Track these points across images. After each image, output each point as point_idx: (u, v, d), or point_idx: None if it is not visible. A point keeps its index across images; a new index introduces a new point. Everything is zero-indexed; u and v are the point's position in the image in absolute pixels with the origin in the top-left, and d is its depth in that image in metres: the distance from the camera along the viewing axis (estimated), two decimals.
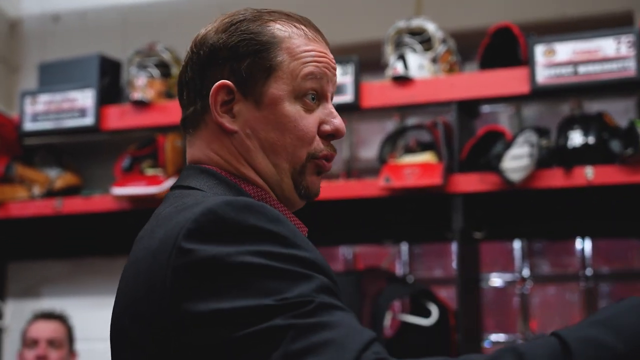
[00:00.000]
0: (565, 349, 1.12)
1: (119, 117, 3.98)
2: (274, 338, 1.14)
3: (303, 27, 1.49)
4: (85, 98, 4.02)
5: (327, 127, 1.48)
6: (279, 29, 1.46)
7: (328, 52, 1.51)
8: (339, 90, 3.45)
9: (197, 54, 1.49)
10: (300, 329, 1.14)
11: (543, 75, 3.38)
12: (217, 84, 1.43)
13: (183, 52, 4.22)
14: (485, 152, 3.47)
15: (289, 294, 1.17)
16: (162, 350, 1.25)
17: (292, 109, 1.44)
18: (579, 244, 3.94)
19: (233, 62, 1.44)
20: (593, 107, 3.75)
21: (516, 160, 3.30)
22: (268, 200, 1.46)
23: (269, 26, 1.46)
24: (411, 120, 3.98)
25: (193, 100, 1.49)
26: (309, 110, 1.46)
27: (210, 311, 1.19)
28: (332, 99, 1.51)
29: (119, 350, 1.38)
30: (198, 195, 1.38)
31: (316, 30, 1.52)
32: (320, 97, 1.48)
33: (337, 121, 1.48)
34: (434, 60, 3.61)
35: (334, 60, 1.52)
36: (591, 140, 3.34)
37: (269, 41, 1.45)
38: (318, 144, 1.47)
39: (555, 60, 3.37)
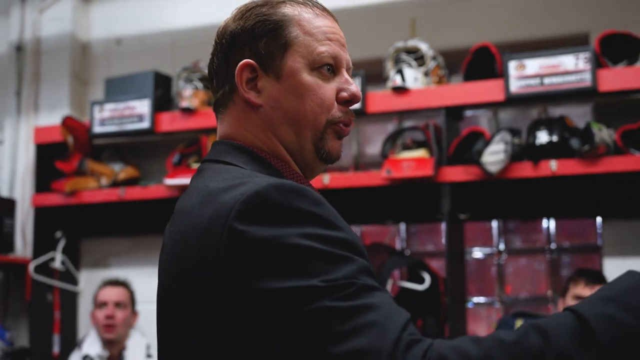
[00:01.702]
0: (586, 326, 1.03)
1: (170, 122, 4.01)
2: (323, 319, 1.06)
3: (309, 4, 1.39)
4: (143, 106, 4.03)
5: (344, 94, 1.35)
6: (289, 8, 1.36)
7: (337, 26, 1.41)
8: None
9: (220, 44, 1.39)
10: (347, 311, 1.05)
11: (515, 85, 3.38)
12: (241, 63, 1.33)
13: None
14: (468, 148, 3.47)
15: (334, 275, 1.08)
16: (210, 319, 1.16)
17: (310, 78, 1.33)
18: (545, 223, 3.93)
19: (252, 44, 1.34)
20: (556, 111, 3.74)
21: (493, 155, 3.31)
22: (294, 174, 1.35)
23: (279, 7, 1.35)
24: (408, 123, 3.97)
25: (222, 84, 1.38)
26: (326, 79, 1.35)
27: (262, 290, 1.10)
28: (349, 69, 1.40)
29: (166, 311, 1.29)
30: (237, 172, 1.26)
31: (323, 8, 1.41)
32: (335, 69, 1.36)
33: (354, 87, 1.37)
34: (426, 74, 3.61)
35: (343, 36, 1.41)
36: (555, 138, 3.34)
37: (282, 19, 1.34)
38: (336, 110, 1.35)
39: (525, 73, 3.36)
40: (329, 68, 1.35)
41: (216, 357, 1.17)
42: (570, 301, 3.27)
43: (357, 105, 3.62)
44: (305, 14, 1.36)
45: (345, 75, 1.38)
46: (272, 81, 1.34)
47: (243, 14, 1.37)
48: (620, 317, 1.03)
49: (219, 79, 1.39)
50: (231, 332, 1.14)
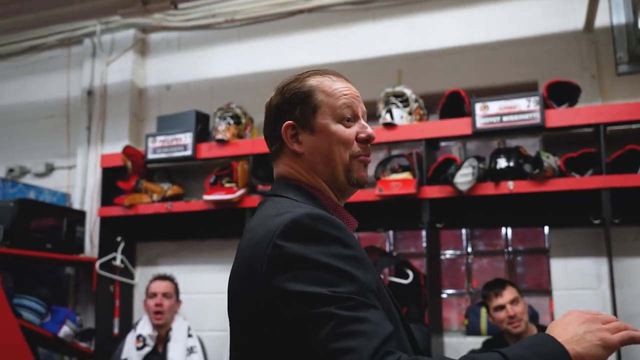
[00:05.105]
0: None
1: (207, 150, 4.01)
2: (324, 321, 1.12)
3: (327, 74, 1.47)
4: (187, 138, 4.05)
5: (362, 135, 1.43)
6: (313, 80, 1.45)
7: (351, 85, 1.49)
8: None
9: (269, 114, 1.49)
10: (344, 318, 1.11)
11: (480, 122, 3.39)
12: (285, 124, 1.43)
13: (249, 108, 4.23)
14: (444, 172, 3.48)
15: (340, 288, 1.15)
16: (258, 309, 1.24)
17: (336, 127, 1.41)
18: (503, 230, 3.93)
19: (291, 110, 1.43)
20: (513, 142, 3.76)
21: (463, 177, 3.31)
22: (331, 202, 1.44)
23: (306, 81, 1.45)
24: (395, 152, 3.98)
25: (274, 142, 1.47)
26: (348, 126, 1.43)
27: (287, 290, 1.17)
28: (364, 118, 1.48)
29: (232, 304, 1.37)
30: (287, 203, 1.36)
31: (337, 74, 1.49)
32: (354, 118, 1.44)
33: (369, 130, 1.45)
34: (410, 113, 3.63)
35: (357, 91, 1.49)
36: (512, 164, 3.35)
37: (309, 90, 1.43)
38: (356, 147, 1.43)
39: (488, 112, 3.38)
40: (348, 119, 1.43)
41: (264, 342, 1.24)
42: (495, 313, 3.12)
43: None
44: (325, 81, 1.44)
45: (362, 121, 1.46)
46: (309, 135, 1.42)
47: (282, 90, 1.47)
48: (530, 358, 1.11)
49: (271, 139, 1.49)
50: (268, 320, 1.22)
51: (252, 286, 1.25)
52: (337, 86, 1.44)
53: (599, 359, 1.15)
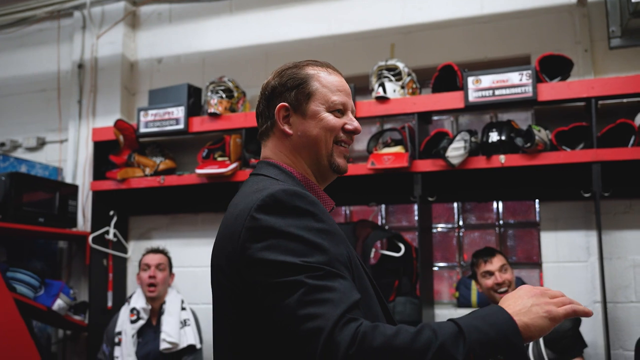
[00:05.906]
0: (460, 330, 1.18)
1: (200, 124, 4.00)
2: (294, 288, 1.20)
3: (325, 66, 1.58)
4: (179, 112, 4.03)
5: (349, 126, 1.55)
6: (311, 69, 1.55)
7: (344, 80, 1.59)
8: None
9: (264, 94, 1.58)
10: (312, 287, 1.19)
11: (473, 96, 3.39)
12: (278, 105, 1.53)
13: (241, 82, 4.18)
14: (436, 145, 3.48)
15: (310, 258, 1.23)
16: (236, 276, 1.32)
17: (326, 115, 1.52)
18: (494, 204, 3.95)
19: (286, 93, 1.53)
20: (504, 116, 3.76)
21: (455, 151, 3.32)
22: (309, 182, 1.53)
23: (303, 69, 1.55)
24: (388, 125, 3.98)
25: (265, 121, 1.57)
26: (337, 117, 1.53)
27: (260, 259, 1.25)
28: (354, 112, 1.59)
29: (214, 273, 1.44)
30: (267, 181, 1.44)
31: (333, 67, 1.59)
32: (344, 111, 1.55)
33: (356, 123, 1.57)
34: (402, 87, 3.62)
35: (348, 87, 1.59)
36: (503, 137, 3.35)
37: (306, 77, 1.53)
38: (341, 134, 1.53)
39: (480, 86, 3.37)
40: (339, 110, 1.54)
41: (245, 314, 1.33)
42: (483, 279, 3.21)
43: None
44: (321, 73, 1.55)
45: (350, 115, 1.57)
46: (299, 118, 1.52)
47: (279, 73, 1.57)
48: (483, 328, 1.19)
49: (263, 118, 1.58)
50: (246, 291, 1.30)
51: (232, 259, 1.32)
52: (333, 79, 1.55)
53: (544, 329, 1.24)
